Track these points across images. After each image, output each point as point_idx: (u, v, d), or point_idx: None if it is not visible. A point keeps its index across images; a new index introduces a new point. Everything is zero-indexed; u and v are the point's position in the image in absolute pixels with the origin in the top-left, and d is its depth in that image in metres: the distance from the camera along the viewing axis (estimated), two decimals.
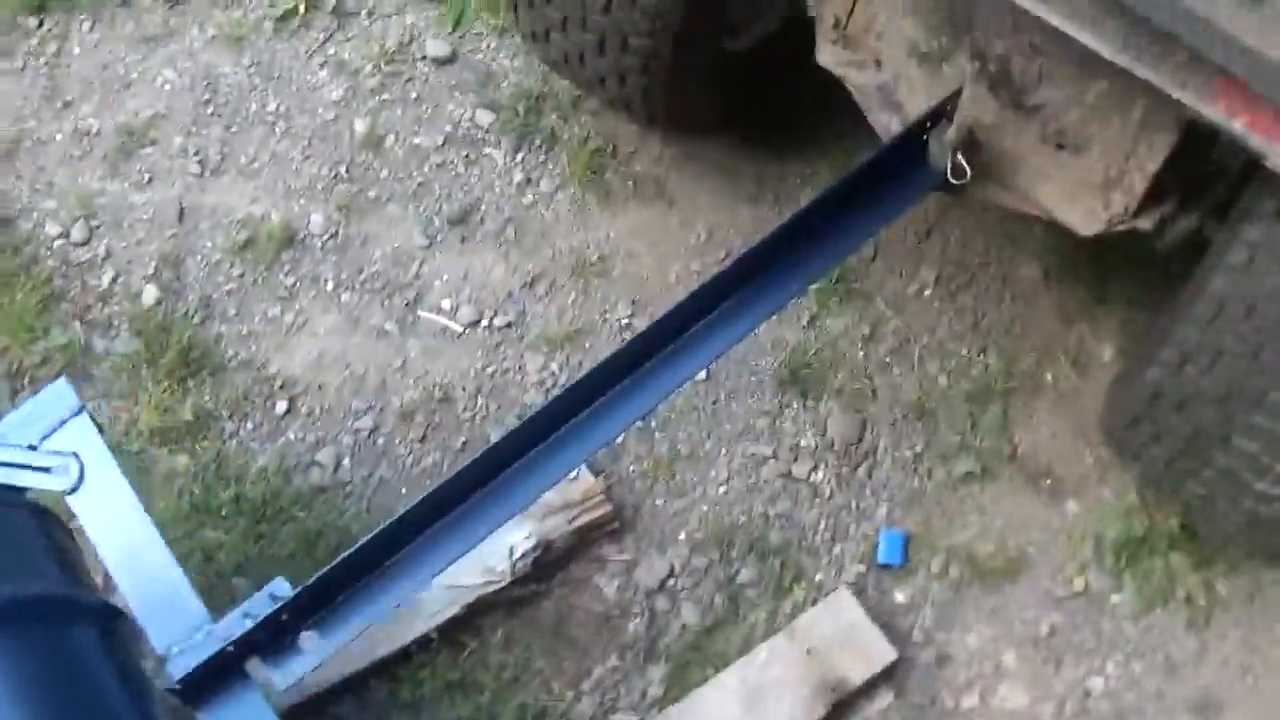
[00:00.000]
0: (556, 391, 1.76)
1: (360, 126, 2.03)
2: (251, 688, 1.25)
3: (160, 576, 1.29)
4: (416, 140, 2.01)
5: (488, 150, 2.00)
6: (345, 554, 1.27)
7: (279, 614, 1.23)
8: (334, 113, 2.08)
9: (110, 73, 2.15)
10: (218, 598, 1.58)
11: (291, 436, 1.88)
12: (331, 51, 2.15)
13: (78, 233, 2.06)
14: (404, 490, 1.83)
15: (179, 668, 1.21)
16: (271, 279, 1.95)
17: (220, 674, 1.24)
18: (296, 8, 2.15)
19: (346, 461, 1.87)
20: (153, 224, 2.02)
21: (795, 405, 1.81)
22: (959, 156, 1.32)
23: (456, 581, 1.66)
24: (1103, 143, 1.30)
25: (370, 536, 1.29)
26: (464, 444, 1.85)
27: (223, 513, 1.82)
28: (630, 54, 1.56)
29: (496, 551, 1.64)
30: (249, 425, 1.91)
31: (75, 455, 1.33)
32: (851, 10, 1.52)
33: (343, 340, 1.90)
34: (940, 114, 1.38)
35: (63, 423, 1.34)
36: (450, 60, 2.12)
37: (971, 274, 1.92)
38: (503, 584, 1.64)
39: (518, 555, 1.63)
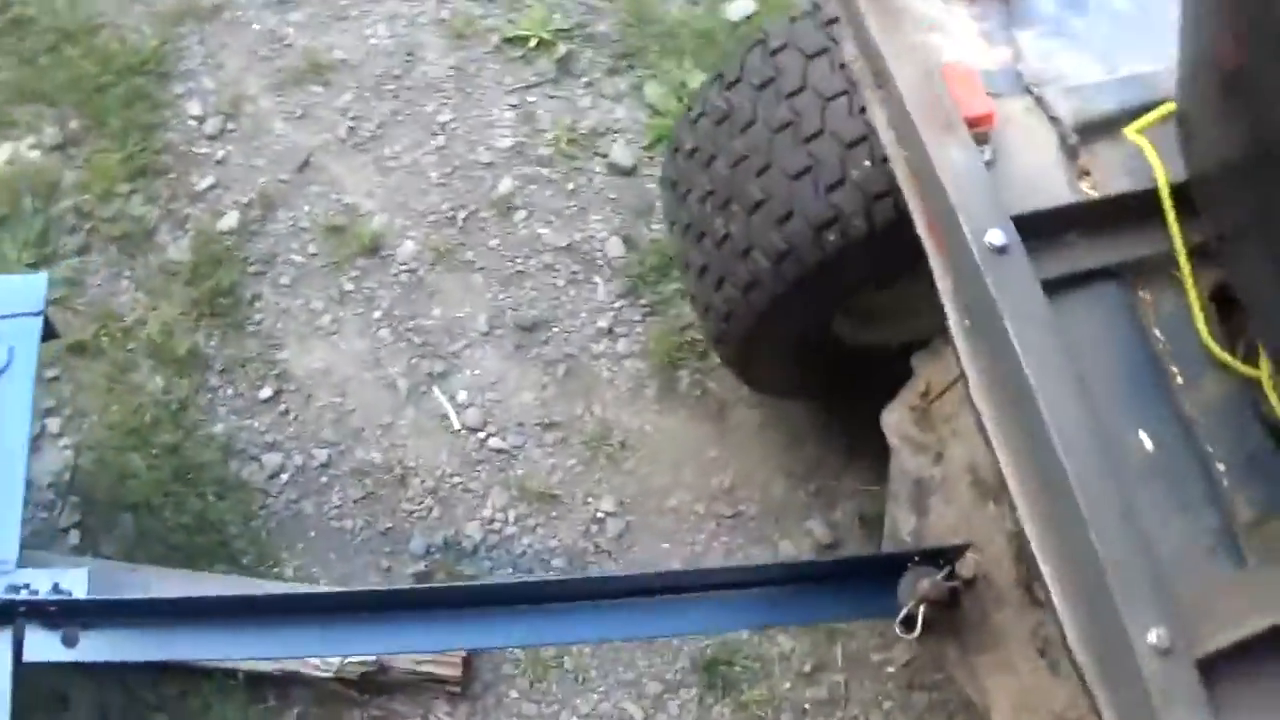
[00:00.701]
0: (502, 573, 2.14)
1: (504, 186, 2.49)
2: (6, 643, 1.61)
3: (5, 497, 1.72)
4: (543, 230, 2.45)
5: (595, 280, 2.39)
6: (147, 598, 1.72)
7: (67, 604, 1.61)
8: (491, 158, 2.54)
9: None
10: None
11: (256, 424, 2.29)
12: (530, 99, 2.64)
13: (211, 126, 2.61)
14: (311, 534, 2.27)
15: None
16: (335, 275, 2.42)
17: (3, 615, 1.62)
18: (529, 40, 2.74)
19: (284, 476, 2.32)
20: (275, 159, 2.56)
21: (694, 692, 2.06)
22: (920, 610, 1.54)
23: None
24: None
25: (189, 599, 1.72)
26: (387, 530, 2.29)
27: (153, 451, 2.33)
28: (740, 304, 1.87)
29: None
30: (228, 391, 2.36)
31: (10, 349, 1.80)
32: (946, 390, 1.87)
33: (354, 370, 2.33)
34: (939, 556, 1.61)
35: (16, 315, 1.83)
36: (627, 173, 2.56)
37: (942, 683, 2.20)
38: (327, 675, 2.01)
39: (349, 660, 2.03)
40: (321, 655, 1.76)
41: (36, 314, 1.86)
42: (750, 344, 1.97)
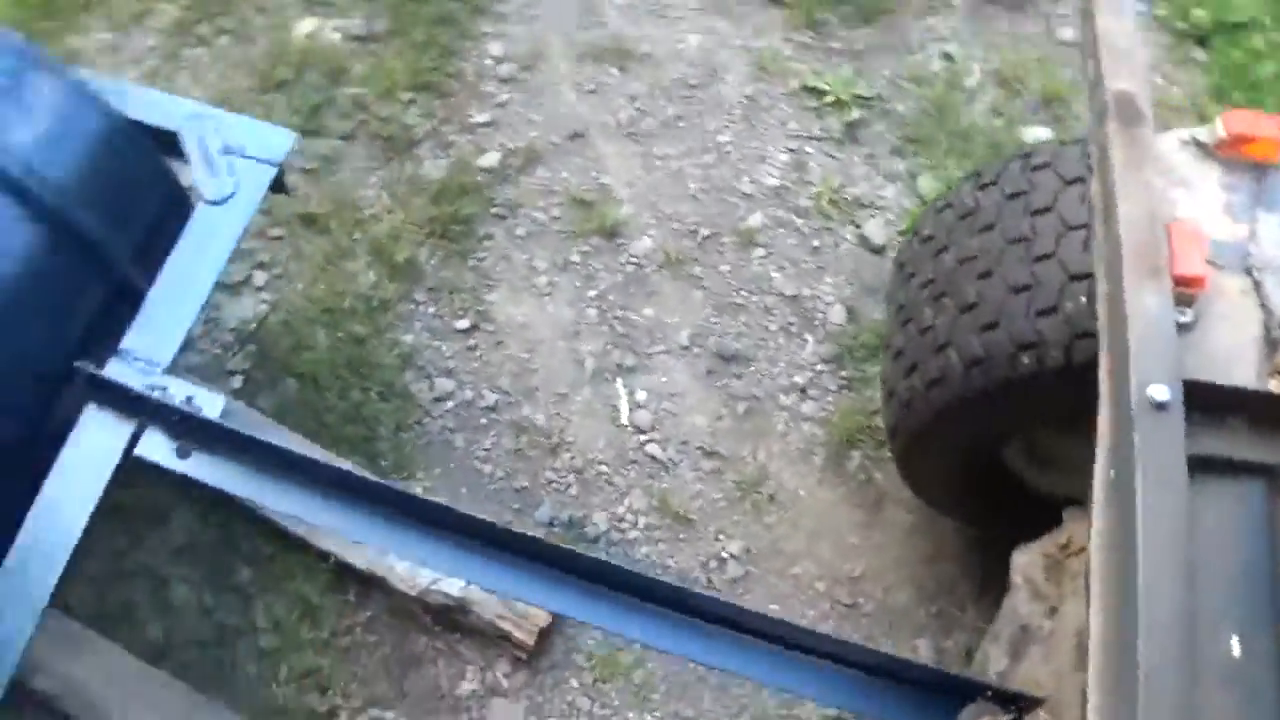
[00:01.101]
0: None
1: (754, 220, 2.87)
2: (125, 433, 2.02)
3: (180, 307, 2.15)
4: (775, 274, 2.80)
5: (807, 337, 2.71)
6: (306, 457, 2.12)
7: (193, 419, 1.97)
8: (752, 190, 2.92)
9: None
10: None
11: (443, 348, 2.70)
12: (808, 150, 3.00)
13: (505, 70, 3.07)
14: (451, 465, 2.62)
15: (116, 371, 2.04)
16: (567, 243, 2.82)
17: (124, 403, 2.03)
18: (827, 95, 3.11)
19: (449, 404, 2.76)
20: (552, 120, 3.01)
21: None
22: None
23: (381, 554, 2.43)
24: None
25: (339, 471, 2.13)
26: (523, 489, 2.65)
27: (339, 334, 2.72)
28: (922, 396, 2.13)
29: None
30: (429, 309, 2.78)
31: (238, 184, 2.23)
32: (1084, 549, 2.13)
33: (551, 334, 2.72)
34: (1012, 700, 1.78)
35: (254, 158, 2.26)
36: (875, 250, 2.86)
37: None
38: (410, 592, 2.39)
39: (437, 587, 2.38)
40: (426, 566, 2.08)
41: (272, 163, 2.28)
42: (920, 440, 2.22)
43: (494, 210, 2.91)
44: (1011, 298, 1.97)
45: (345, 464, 2.55)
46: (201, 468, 2.01)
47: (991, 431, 2.17)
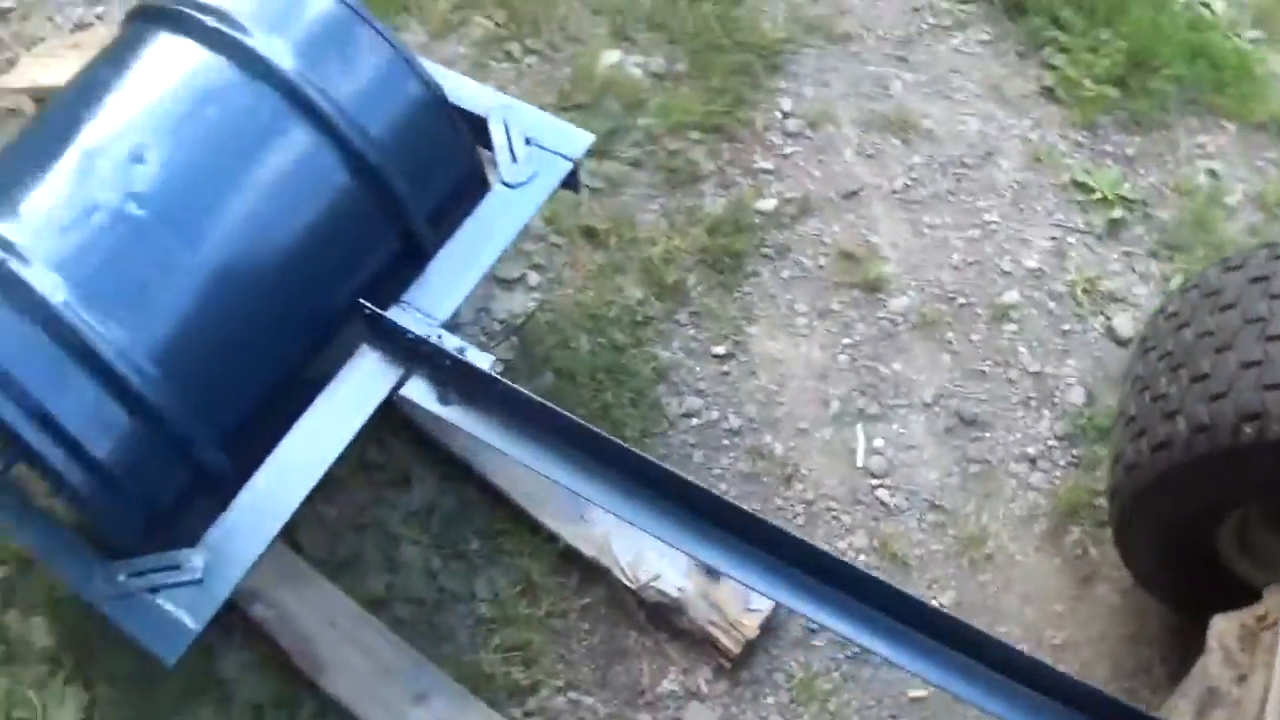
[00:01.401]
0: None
1: (1009, 297, 3.30)
2: (394, 374, 2.51)
3: (463, 273, 2.63)
4: (1022, 349, 3.23)
5: (1044, 413, 3.12)
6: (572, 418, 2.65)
7: (461, 368, 2.43)
8: (1011, 269, 3.35)
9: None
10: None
11: (697, 368, 3.17)
12: (1070, 240, 3.39)
13: (793, 125, 3.57)
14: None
15: (395, 316, 2.50)
16: (828, 291, 3.30)
17: (399, 345, 2.50)
18: (1094, 192, 3.57)
19: (694, 420, 3.07)
20: (830, 178, 3.53)
21: None
22: None
23: (621, 543, 2.89)
24: None
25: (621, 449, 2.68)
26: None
27: (601, 340, 3.15)
28: (1146, 460, 2.50)
29: (659, 553, 2.84)
30: (690, 331, 3.20)
31: (535, 173, 2.74)
32: (1275, 624, 2.50)
33: (802, 372, 3.20)
34: None
35: (554, 152, 2.78)
36: (1121, 343, 3.25)
37: None
38: (629, 585, 2.83)
39: (656, 584, 2.83)
40: (664, 541, 2.40)
41: (570, 159, 2.77)
42: (1140, 504, 2.60)
43: (764, 251, 3.47)
44: (1242, 371, 2.37)
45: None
46: (459, 416, 2.49)
47: (1208, 502, 2.55)
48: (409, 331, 2.51)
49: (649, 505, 2.36)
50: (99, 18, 3.91)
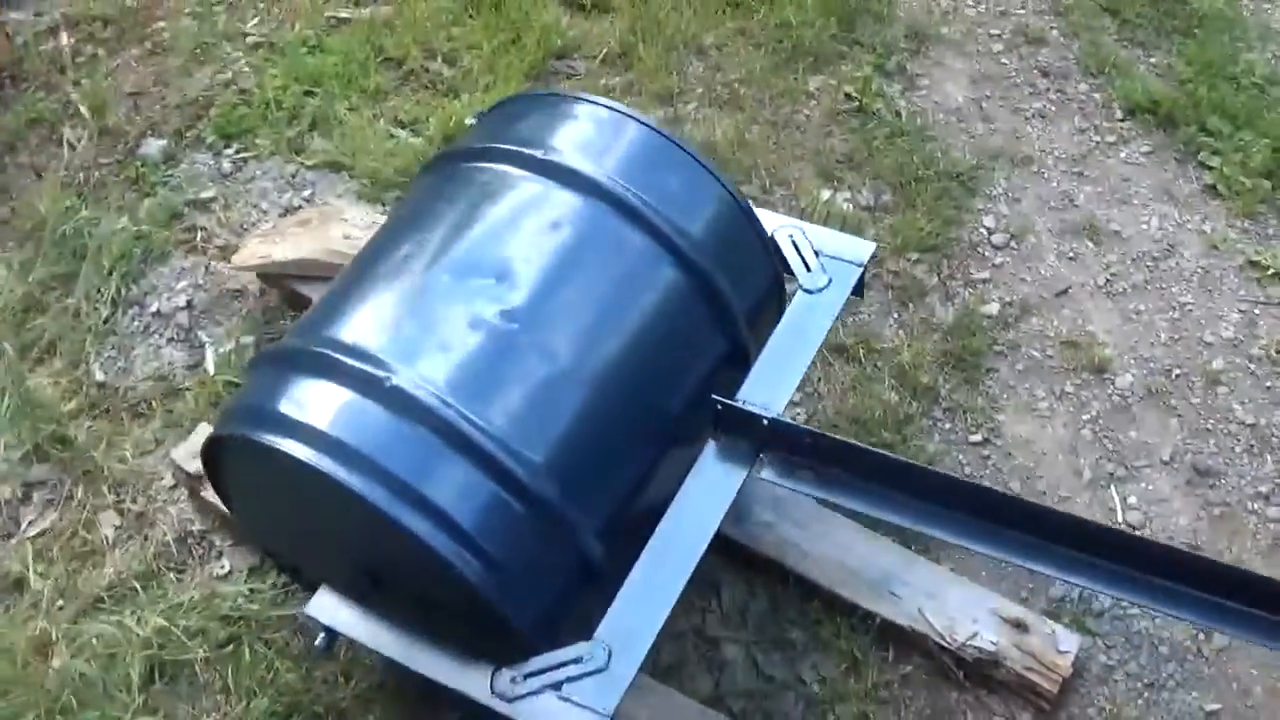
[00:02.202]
0: None
1: (1216, 364, 3.84)
2: (748, 457, 2.74)
3: (787, 372, 2.88)
4: (1236, 407, 3.75)
5: (1267, 456, 3.65)
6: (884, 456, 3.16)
7: (814, 442, 2.77)
8: (1212, 340, 3.92)
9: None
10: None
11: (960, 456, 3.65)
12: (1256, 311, 3.92)
13: (998, 239, 4.13)
14: None
15: (745, 394, 2.78)
16: (1061, 376, 3.82)
17: (750, 431, 2.75)
18: (1269, 269, 4.08)
19: None
20: (1040, 281, 4.09)
21: None
22: None
23: (933, 611, 3.34)
24: None
25: (915, 467, 2.94)
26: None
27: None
28: None
29: (971, 605, 3.30)
30: (946, 425, 3.72)
31: (830, 279, 3.02)
32: None
33: (1052, 449, 3.72)
34: None
35: (845, 260, 3.06)
36: None
37: None
38: (949, 646, 3.25)
39: (974, 642, 3.23)
40: (1023, 565, 2.79)
41: (859, 265, 3.06)
42: None
43: (996, 349, 4.08)
44: None
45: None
46: (813, 487, 2.82)
47: None
48: (764, 417, 2.77)
49: (992, 532, 2.73)
50: (307, 200, 4.41)
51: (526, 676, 2.54)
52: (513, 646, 2.57)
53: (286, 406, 2.63)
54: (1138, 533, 3.65)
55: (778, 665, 3.31)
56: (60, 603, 3.44)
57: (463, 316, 2.71)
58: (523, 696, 2.52)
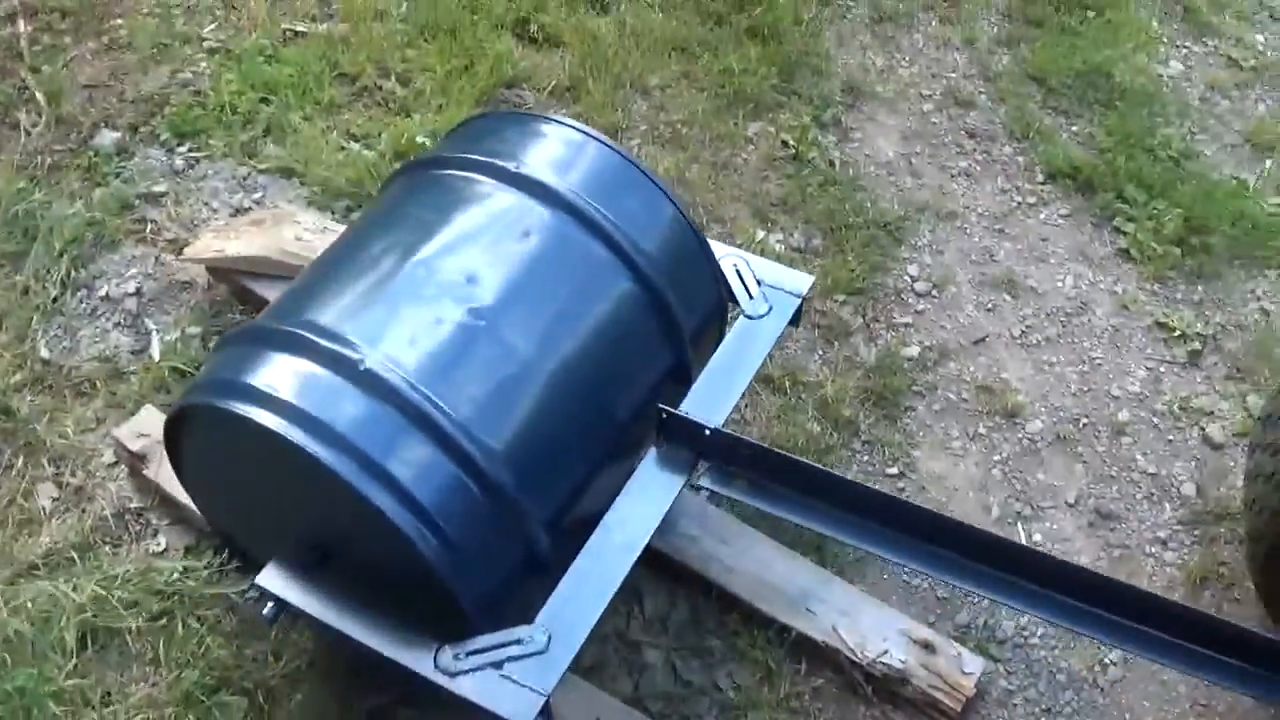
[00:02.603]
0: None
1: (1121, 416, 4.07)
2: (687, 463, 2.94)
3: (727, 390, 3.06)
4: (1139, 457, 4.00)
5: (1165, 505, 3.84)
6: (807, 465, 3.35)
7: (750, 453, 2.98)
8: (1119, 394, 4.10)
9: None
10: None
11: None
12: (1161, 370, 4.25)
13: (920, 286, 4.39)
14: (884, 576, 3.91)
15: (686, 407, 2.95)
16: (974, 419, 4.02)
17: (691, 440, 2.92)
18: (1175, 330, 4.53)
19: None
20: (959, 329, 4.27)
21: None
22: None
23: (846, 628, 3.51)
24: None
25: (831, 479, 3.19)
26: (943, 599, 4.00)
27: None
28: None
29: (883, 625, 3.47)
30: (864, 456, 3.96)
31: (771, 307, 3.27)
32: None
33: (963, 485, 3.91)
34: None
35: (784, 290, 3.26)
36: (1216, 447, 4.24)
37: None
38: (859, 661, 3.41)
39: (883, 660, 3.39)
40: (927, 574, 3.27)
41: (798, 295, 3.28)
42: (1272, 553, 3.37)
43: (915, 389, 4.28)
44: None
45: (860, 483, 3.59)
46: (747, 494, 3.04)
47: None
48: (706, 427, 2.95)
49: (930, 553, 2.97)
50: (257, 203, 4.52)
51: (469, 654, 2.64)
52: (456, 625, 2.67)
53: (258, 380, 2.73)
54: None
55: (695, 671, 3.45)
56: None
57: (433, 310, 2.85)
58: (465, 672, 2.62)
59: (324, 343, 2.74)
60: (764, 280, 3.37)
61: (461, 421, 2.68)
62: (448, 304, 2.86)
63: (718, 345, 3.24)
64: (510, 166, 3.10)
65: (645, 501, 2.95)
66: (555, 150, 3.23)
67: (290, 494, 2.89)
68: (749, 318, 3.29)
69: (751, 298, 3.33)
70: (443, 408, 2.68)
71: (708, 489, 3.08)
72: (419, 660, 2.67)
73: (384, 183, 3.48)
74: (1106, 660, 3.70)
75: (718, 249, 3.37)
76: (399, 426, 2.66)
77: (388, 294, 2.91)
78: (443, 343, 2.82)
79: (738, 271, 3.39)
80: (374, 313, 2.87)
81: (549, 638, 2.66)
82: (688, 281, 3.20)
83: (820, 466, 3.08)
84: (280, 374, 2.75)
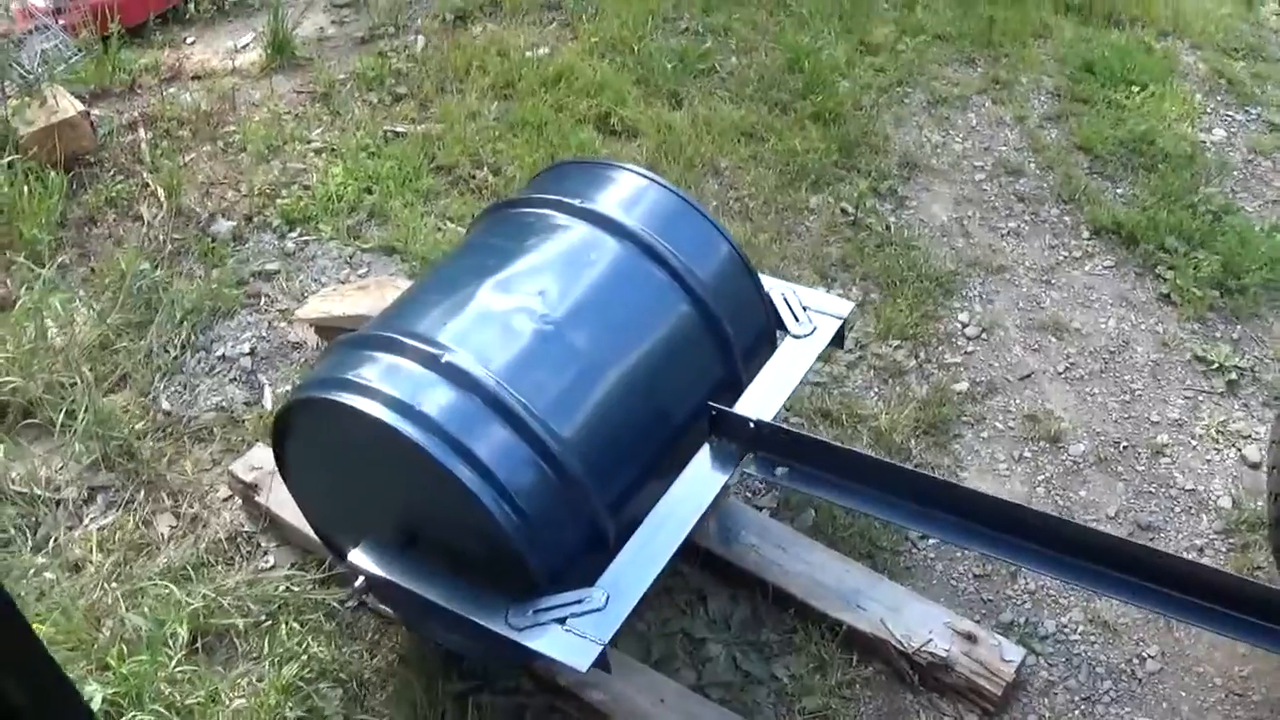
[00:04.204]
0: None
1: (1160, 439, 4.38)
2: (735, 456, 3.29)
3: (773, 396, 3.39)
4: (1178, 475, 4.31)
5: (1203, 516, 4.18)
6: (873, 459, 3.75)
7: (795, 442, 3.35)
8: (1158, 419, 4.46)
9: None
10: None
11: None
12: (1200, 399, 4.52)
13: (970, 331, 4.79)
14: (934, 581, 4.28)
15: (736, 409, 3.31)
16: (1018, 444, 4.33)
17: (740, 434, 3.29)
18: (1214, 364, 4.99)
19: (931, 542, 4.44)
20: (1007, 366, 4.64)
21: None
22: None
23: (894, 622, 3.85)
24: None
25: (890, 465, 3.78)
26: (989, 600, 4.32)
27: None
28: None
29: (928, 619, 3.77)
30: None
31: (815, 328, 3.67)
32: None
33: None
34: None
35: (827, 313, 3.63)
36: (1253, 466, 4.63)
37: None
38: (905, 650, 3.72)
39: (928, 648, 3.68)
40: (971, 549, 3.62)
41: (840, 318, 3.63)
42: None
43: (964, 419, 4.66)
44: None
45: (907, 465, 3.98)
46: (790, 480, 3.36)
47: None
48: (751, 420, 3.29)
49: (951, 523, 3.24)
50: (361, 277, 5.05)
51: (535, 611, 2.96)
52: (525, 590, 3.01)
53: (358, 375, 3.11)
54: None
55: (754, 663, 3.76)
56: (114, 584, 3.95)
57: (511, 316, 3.25)
58: (531, 627, 2.94)
59: (414, 343, 3.12)
60: (809, 306, 3.74)
61: (536, 411, 3.04)
62: (523, 314, 3.24)
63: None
64: (578, 203, 3.51)
65: (697, 487, 3.27)
66: (620, 190, 3.64)
67: (384, 477, 3.24)
68: (795, 338, 3.65)
69: (798, 320, 3.69)
70: (519, 398, 3.03)
71: (754, 476, 3.47)
72: (492, 618, 2.99)
73: (470, 224, 3.95)
74: (1144, 654, 3.97)
75: (766, 281, 3.72)
76: (481, 413, 3.02)
77: (470, 306, 3.30)
78: (519, 345, 3.20)
79: (785, 299, 3.80)
80: (458, 321, 3.25)
81: (607, 598, 2.96)
82: (739, 305, 3.55)
83: (855, 449, 3.46)
84: (376, 369, 3.13)
